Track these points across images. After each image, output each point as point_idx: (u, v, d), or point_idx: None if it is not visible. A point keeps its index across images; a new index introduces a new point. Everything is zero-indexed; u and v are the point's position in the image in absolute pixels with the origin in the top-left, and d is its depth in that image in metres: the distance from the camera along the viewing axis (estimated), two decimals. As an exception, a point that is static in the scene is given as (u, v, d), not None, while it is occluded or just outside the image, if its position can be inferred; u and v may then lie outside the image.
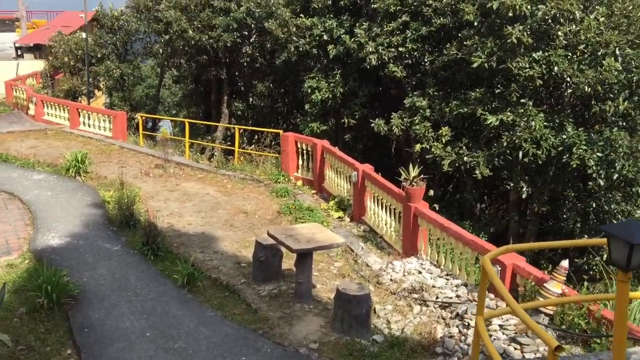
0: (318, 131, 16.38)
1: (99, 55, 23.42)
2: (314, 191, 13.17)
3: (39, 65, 27.18)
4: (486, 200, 17.17)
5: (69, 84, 23.91)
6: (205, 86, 23.48)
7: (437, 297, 7.82)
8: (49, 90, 24.49)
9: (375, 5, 14.78)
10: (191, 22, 18.61)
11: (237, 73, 21.82)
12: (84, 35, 21.68)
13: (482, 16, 12.97)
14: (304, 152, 13.73)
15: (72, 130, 18.78)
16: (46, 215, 10.87)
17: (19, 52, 29.96)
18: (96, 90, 25.22)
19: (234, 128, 17.86)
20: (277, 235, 7.85)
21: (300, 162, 13.89)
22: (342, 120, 16.52)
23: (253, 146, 16.42)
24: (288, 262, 8.95)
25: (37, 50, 29.52)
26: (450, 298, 7.70)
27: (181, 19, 18.27)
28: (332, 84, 16.08)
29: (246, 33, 19.48)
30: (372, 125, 15.02)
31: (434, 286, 8.12)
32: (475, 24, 12.88)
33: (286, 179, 13.76)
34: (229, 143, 18.04)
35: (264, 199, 12.73)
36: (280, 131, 15.36)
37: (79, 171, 13.60)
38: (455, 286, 8.04)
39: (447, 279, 8.31)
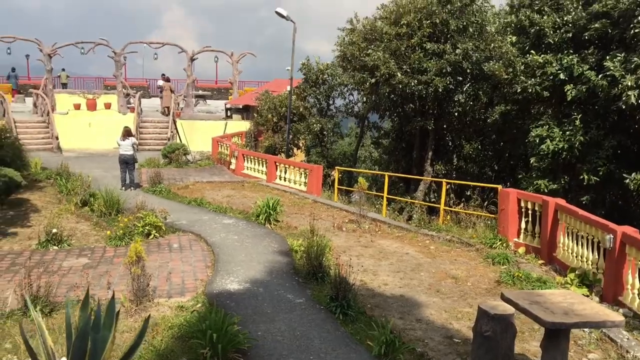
0: (546, 190, 13.77)
1: (301, 110, 23.85)
2: (541, 261, 10.89)
3: (244, 125, 28.94)
4: None
5: (270, 141, 24.72)
6: (408, 142, 22.25)
7: None
8: (251, 149, 25.58)
9: (637, 30, 12.13)
10: (400, 65, 17.63)
11: (445, 126, 20.17)
12: (288, 88, 22.27)
13: None
14: (529, 212, 11.45)
15: (268, 184, 18.99)
16: (228, 259, 10.16)
17: (229, 113, 32.42)
18: (295, 149, 25.72)
19: (439, 182, 16.08)
20: (518, 301, 5.73)
21: (523, 224, 11.63)
22: (581, 177, 13.67)
23: (461, 205, 14.44)
24: (520, 345, 6.78)
25: (245, 111, 31.63)
26: None
27: (389, 61, 17.39)
28: (567, 132, 13.51)
29: (460, 79, 17.89)
30: (627, 182, 12.01)
31: None
32: None
33: (504, 244, 11.69)
34: (433, 200, 16.27)
35: (476, 265, 10.79)
36: (499, 187, 13.20)
37: (269, 218, 13.03)
38: None
39: None
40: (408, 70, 17.59)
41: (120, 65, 30.80)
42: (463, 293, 9.14)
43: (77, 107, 30.05)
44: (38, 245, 10.82)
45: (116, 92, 30.86)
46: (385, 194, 15.72)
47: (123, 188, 17.03)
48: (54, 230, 10.86)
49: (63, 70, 39.31)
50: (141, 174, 19.48)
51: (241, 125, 29.67)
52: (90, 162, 22.21)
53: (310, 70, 23.85)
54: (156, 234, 11.69)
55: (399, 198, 18.07)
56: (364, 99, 21.74)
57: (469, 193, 13.94)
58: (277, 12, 19.50)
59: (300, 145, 26.12)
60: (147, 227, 11.63)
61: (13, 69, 36.50)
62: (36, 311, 5.69)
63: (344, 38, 20.27)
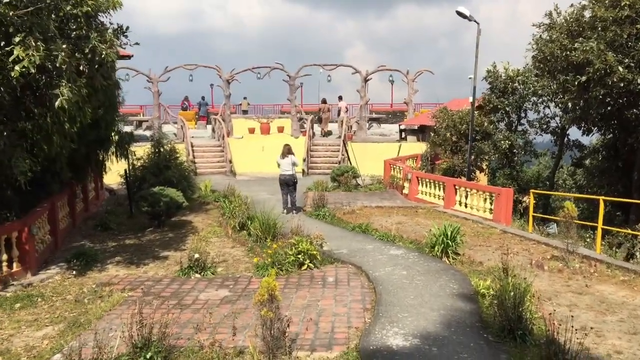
0: None
1: (485, 125, 20.88)
2: None
3: (420, 147, 26.77)
4: None
5: (449, 163, 22.17)
6: (626, 160, 17.96)
7: None
8: (427, 172, 23.24)
9: None
10: (620, 59, 13.90)
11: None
12: (470, 99, 19.57)
13: None
14: None
15: (445, 210, 16.60)
16: (393, 301, 7.98)
17: (403, 135, 30.58)
18: (477, 172, 22.80)
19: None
20: None
21: None
22: None
23: None
24: None
25: (420, 132, 29.52)
26: None
27: (606, 53, 13.78)
28: None
29: None
30: None
31: None
32: None
33: None
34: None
35: None
36: None
37: (447, 250, 10.63)
38: None
39: None
40: (632, 64, 13.85)
41: (294, 89, 30.67)
42: None
43: (252, 131, 30.43)
44: (179, 272, 9.68)
45: (290, 116, 30.76)
46: (600, 224, 12.33)
47: (284, 211, 15.83)
48: (196, 256, 9.65)
49: (245, 98, 40.79)
50: (307, 197, 18.24)
51: (416, 147, 27.58)
52: (259, 185, 21.70)
53: (497, 78, 20.76)
54: (310, 265, 9.97)
55: (620, 229, 14.26)
56: (569, 105, 18.00)
57: None
58: (458, 12, 17.15)
59: (484, 167, 23.11)
60: (300, 256, 9.96)
61: (203, 98, 38.51)
62: None
63: (540, 36, 17.07)
